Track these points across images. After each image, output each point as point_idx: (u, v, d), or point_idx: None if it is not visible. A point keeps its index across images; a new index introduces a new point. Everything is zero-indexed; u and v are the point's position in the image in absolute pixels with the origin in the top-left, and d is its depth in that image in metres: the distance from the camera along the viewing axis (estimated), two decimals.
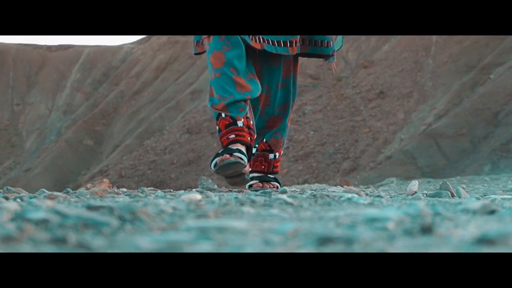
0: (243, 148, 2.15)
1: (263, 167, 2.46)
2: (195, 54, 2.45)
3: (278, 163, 2.51)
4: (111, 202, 1.29)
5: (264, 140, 2.45)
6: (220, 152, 2.15)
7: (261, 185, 2.44)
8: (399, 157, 15.52)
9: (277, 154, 2.48)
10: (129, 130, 25.18)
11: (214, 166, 2.12)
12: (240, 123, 2.16)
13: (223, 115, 2.17)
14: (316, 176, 17.05)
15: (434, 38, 21.34)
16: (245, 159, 2.11)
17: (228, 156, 2.08)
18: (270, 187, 2.41)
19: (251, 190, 2.35)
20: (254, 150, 2.45)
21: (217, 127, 2.20)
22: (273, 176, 2.49)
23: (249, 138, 2.18)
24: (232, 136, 2.15)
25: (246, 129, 2.18)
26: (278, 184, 2.47)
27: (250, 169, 2.44)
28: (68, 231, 0.84)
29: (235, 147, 2.13)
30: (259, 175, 2.47)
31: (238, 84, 2.15)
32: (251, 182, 2.46)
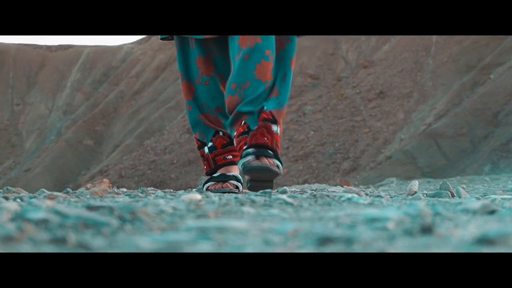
0: (237, 172, 2.16)
1: (266, 139, 1.97)
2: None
3: (279, 142, 2.06)
4: (111, 202, 1.29)
5: (265, 108, 2.02)
6: (215, 176, 2.14)
7: (258, 161, 1.93)
8: (399, 157, 15.53)
9: (278, 128, 2.04)
10: (129, 130, 25.19)
11: (206, 189, 2.12)
12: (235, 143, 2.17)
13: (220, 133, 2.18)
14: (316, 176, 17.05)
15: (434, 38, 21.35)
16: (241, 188, 2.13)
17: (221, 186, 2.10)
18: (270, 164, 1.93)
19: (245, 170, 1.95)
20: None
21: (211, 143, 2.18)
22: (273, 153, 2.00)
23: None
24: (230, 157, 2.17)
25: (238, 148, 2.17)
26: (279, 163, 1.99)
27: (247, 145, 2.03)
28: (68, 231, 0.84)
29: (231, 173, 2.14)
30: (255, 150, 1.97)
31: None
32: (245, 159, 1.96)
